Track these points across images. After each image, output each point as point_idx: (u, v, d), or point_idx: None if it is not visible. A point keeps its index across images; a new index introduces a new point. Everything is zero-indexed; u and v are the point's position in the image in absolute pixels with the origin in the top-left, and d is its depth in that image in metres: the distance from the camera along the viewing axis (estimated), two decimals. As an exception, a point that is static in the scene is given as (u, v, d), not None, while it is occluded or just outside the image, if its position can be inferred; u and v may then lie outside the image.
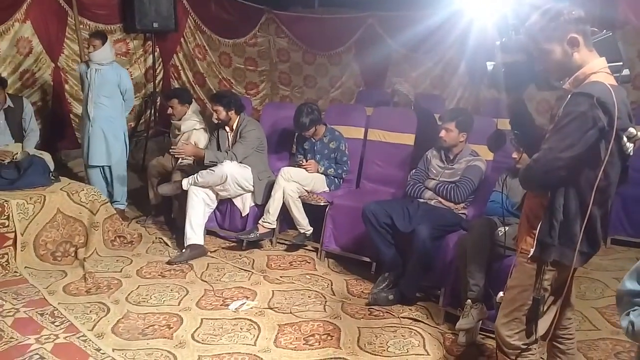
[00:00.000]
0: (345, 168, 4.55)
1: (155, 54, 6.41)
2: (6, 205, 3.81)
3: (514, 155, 3.04)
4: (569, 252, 1.93)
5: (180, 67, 6.82)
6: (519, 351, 2.07)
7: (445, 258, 3.41)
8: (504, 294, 2.14)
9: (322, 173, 4.48)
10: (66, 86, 5.82)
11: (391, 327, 3.25)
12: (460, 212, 3.67)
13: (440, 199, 3.72)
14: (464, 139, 3.73)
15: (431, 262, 3.43)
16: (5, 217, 3.79)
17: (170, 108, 4.93)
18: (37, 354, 2.84)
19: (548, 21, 1.90)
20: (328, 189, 4.49)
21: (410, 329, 3.23)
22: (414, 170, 3.99)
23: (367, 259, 4.05)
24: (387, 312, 3.43)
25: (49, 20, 5.57)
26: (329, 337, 3.11)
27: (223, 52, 7.17)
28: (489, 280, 3.00)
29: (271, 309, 3.44)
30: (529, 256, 2.00)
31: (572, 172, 1.87)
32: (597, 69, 1.88)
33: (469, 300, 2.99)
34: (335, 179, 4.54)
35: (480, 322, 3.03)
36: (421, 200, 3.77)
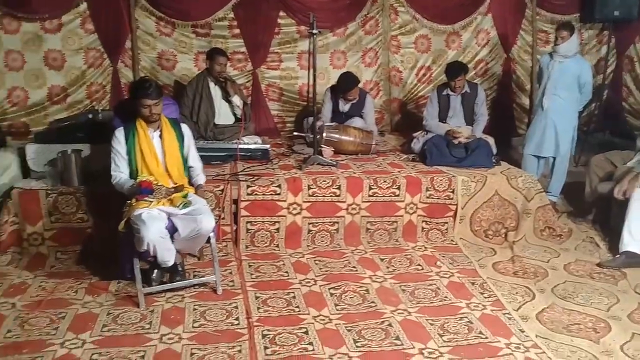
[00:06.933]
0: None
1: (610, 44, 6.00)
2: (453, 180, 4.26)
3: None
4: None
5: (635, 59, 6.19)
6: None
7: None
8: None
9: None
10: (513, 76, 6.05)
11: None
12: None
13: None
14: None
15: None
16: (451, 190, 4.25)
17: None
18: (466, 317, 3.12)
19: None
20: None
21: None
22: None
23: None
24: None
25: (508, 12, 5.87)
26: None
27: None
28: None
29: None
30: None
31: None
32: None
33: None
34: None
35: None
36: None
